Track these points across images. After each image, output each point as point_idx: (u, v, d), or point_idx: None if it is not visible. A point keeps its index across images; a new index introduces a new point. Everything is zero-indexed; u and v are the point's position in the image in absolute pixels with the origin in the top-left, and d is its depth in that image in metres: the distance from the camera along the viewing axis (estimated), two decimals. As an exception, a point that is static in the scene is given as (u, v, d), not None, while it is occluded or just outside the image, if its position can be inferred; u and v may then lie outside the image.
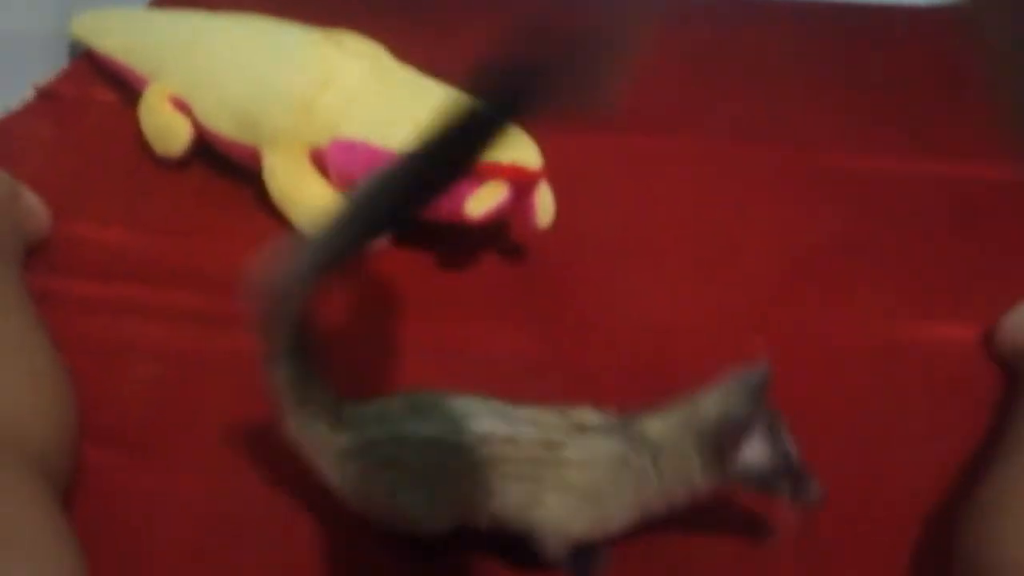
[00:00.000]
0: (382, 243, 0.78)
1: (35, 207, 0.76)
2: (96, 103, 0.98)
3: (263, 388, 0.52)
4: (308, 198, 0.79)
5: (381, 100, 0.77)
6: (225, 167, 0.86)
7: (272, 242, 0.78)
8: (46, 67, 1.05)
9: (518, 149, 0.72)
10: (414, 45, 0.88)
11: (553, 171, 0.75)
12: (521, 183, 0.72)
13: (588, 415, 0.51)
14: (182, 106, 0.86)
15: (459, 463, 0.49)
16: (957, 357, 0.70)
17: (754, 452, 0.50)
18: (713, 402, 0.51)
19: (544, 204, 0.74)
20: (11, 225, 0.72)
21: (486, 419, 0.50)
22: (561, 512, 0.50)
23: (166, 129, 0.86)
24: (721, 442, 0.49)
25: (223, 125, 0.82)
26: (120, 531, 0.55)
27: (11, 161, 0.79)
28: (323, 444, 0.51)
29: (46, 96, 0.99)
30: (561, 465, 0.49)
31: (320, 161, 0.79)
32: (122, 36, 0.97)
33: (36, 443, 0.52)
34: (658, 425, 0.51)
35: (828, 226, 0.84)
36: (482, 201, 0.70)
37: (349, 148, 0.75)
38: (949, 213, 0.87)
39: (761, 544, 0.56)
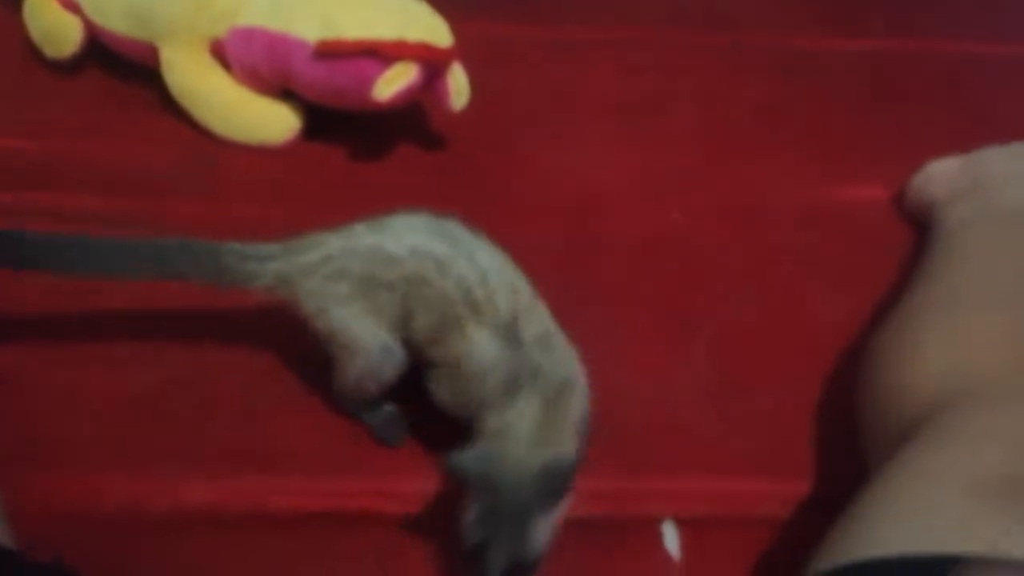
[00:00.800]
0: (290, 138, 0.76)
1: None
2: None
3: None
4: (210, 92, 0.75)
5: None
6: (122, 67, 0.82)
7: (181, 138, 0.76)
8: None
9: (427, 28, 0.69)
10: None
11: (472, 59, 0.73)
12: (432, 63, 0.69)
13: (532, 314, 0.51)
14: (70, 5, 0.80)
15: (389, 273, 0.51)
16: (872, 215, 0.72)
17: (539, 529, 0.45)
18: None
19: (459, 86, 0.72)
20: None
21: (435, 240, 0.51)
22: (442, 378, 0.51)
23: (55, 31, 0.80)
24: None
25: (115, 22, 0.77)
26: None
27: None
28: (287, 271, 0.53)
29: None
30: (464, 331, 0.49)
31: (220, 52, 0.75)
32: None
33: None
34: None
35: (751, 98, 0.85)
36: (391, 82, 0.68)
37: (248, 36, 0.72)
38: (867, 86, 0.89)
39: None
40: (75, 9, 0.80)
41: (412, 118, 0.77)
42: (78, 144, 0.75)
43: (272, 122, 0.75)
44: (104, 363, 0.58)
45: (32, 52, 0.83)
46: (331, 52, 0.68)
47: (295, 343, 0.56)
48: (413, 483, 0.53)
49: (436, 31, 0.69)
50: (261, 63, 0.72)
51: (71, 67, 0.82)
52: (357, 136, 0.76)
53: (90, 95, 0.80)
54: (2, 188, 0.70)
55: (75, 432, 0.55)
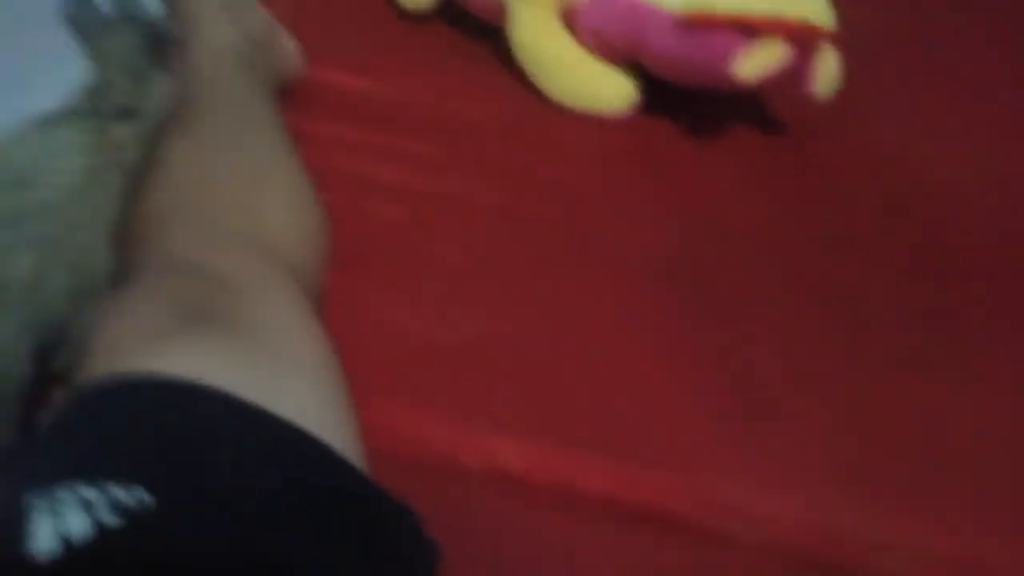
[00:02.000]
0: (624, 112, 0.73)
1: (290, 49, 0.77)
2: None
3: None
4: (553, 53, 0.74)
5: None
6: (467, 24, 0.83)
7: (511, 96, 0.76)
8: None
9: (809, 5, 0.63)
10: None
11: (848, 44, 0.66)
12: (805, 43, 0.63)
13: None
14: (430, -41, 0.83)
15: None
16: None
17: None
18: None
19: (828, 71, 0.65)
20: (269, 62, 0.72)
21: None
22: None
23: (414, -18, 0.84)
24: None
25: (469, -24, 0.79)
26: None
27: (264, 2, 0.81)
28: None
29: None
30: None
31: (570, 17, 0.74)
32: None
33: (299, 261, 0.52)
34: None
35: None
36: (756, 61, 0.62)
37: (608, 2, 0.69)
38: None
39: None
40: (433, -36, 0.83)
41: (757, 103, 0.72)
42: (416, 91, 0.77)
43: (610, 91, 0.73)
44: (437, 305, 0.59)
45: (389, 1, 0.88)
46: (697, 23, 0.63)
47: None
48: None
49: (818, 9, 0.63)
50: (614, 29, 0.69)
51: (421, 19, 0.85)
52: (693, 115, 0.72)
53: (434, 47, 0.83)
54: (345, 123, 0.73)
55: (404, 375, 0.55)
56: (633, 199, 0.65)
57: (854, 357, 0.54)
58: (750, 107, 0.72)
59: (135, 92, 0.55)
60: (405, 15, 0.85)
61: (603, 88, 0.73)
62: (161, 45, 0.60)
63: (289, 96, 0.75)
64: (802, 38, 0.62)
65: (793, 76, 0.65)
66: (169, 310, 0.40)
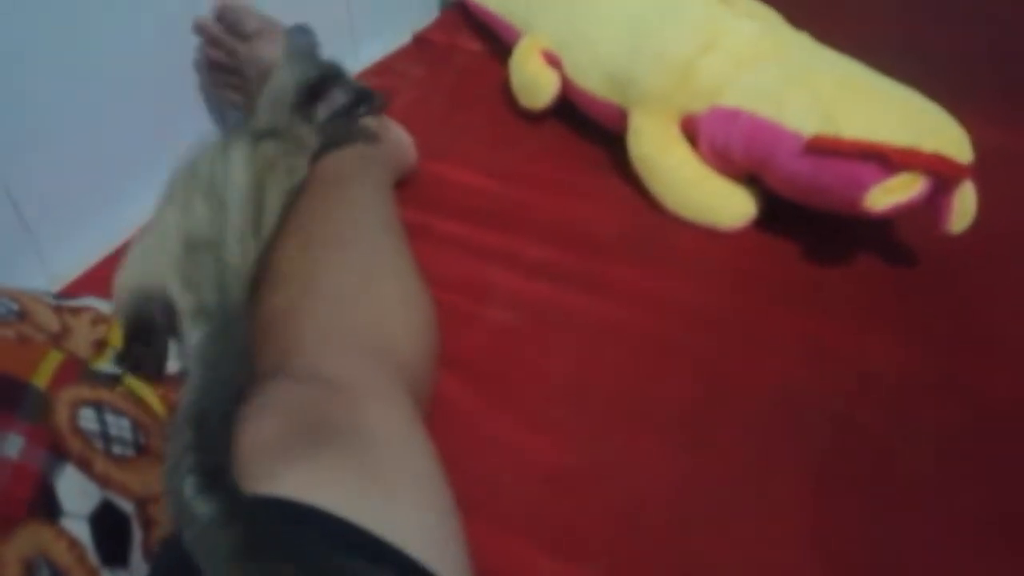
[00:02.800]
0: (743, 226, 0.71)
1: (405, 140, 0.79)
2: (462, 51, 1.02)
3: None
4: (672, 165, 0.74)
5: (772, 66, 0.70)
6: (583, 125, 0.84)
7: (630, 205, 0.76)
8: (421, 15, 1.11)
9: (945, 137, 0.61)
10: (810, 10, 0.79)
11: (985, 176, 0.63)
12: (942, 177, 0.60)
13: None
14: (553, 60, 0.85)
15: None
16: None
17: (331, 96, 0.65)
18: (285, 75, 0.65)
19: (965, 206, 0.62)
20: (386, 153, 0.75)
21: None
22: None
23: (534, 82, 0.86)
24: (303, 100, 0.63)
25: (593, 82, 0.80)
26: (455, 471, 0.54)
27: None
28: None
29: (420, 41, 1.04)
30: None
31: (691, 128, 0.74)
32: (498, -12, 0.99)
33: (408, 364, 0.52)
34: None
35: None
36: (890, 193, 0.60)
37: (731, 117, 0.69)
38: None
39: None
40: (556, 65, 0.85)
41: (881, 227, 0.69)
42: (534, 192, 0.78)
43: (728, 205, 0.72)
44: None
45: (505, 95, 0.90)
46: (826, 149, 0.62)
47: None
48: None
49: (955, 141, 0.61)
50: (737, 146, 0.69)
51: (537, 117, 0.87)
52: (814, 234, 0.70)
53: (550, 147, 0.84)
54: (459, 219, 0.75)
55: (500, 494, 0.54)
56: (755, 325, 0.62)
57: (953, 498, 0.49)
58: (877, 228, 0.69)
59: (281, 119, 0.65)
60: (525, 113, 0.87)
61: (722, 203, 0.72)
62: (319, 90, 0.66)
63: (407, 189, 0.77)
64: (939, 173, 0.60)
65: (927, 209, 0.63)
66: (289, 427, 0.42)
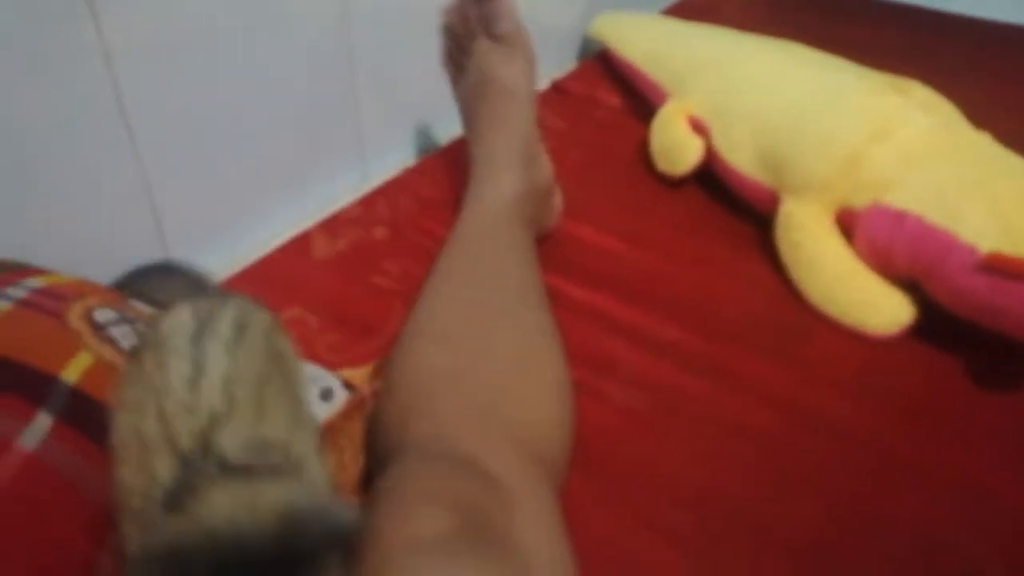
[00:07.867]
0: (895, 331, 0.66)
1: (558, 202, 0.77)
2: (601, 104, 1.00)
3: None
4: (822, 258, 0.69)
5: (948, 168, 0.65)
6: (724, 196, 0.81)
7: (768, 290, 0.72)
8: (558, 62, 1.10)
9: None
10: (993, 107, 0.73)
11: None
12: None
13: None
14: (699, 127, 0.82)
15: None
16: None
17: None
18: None
19: None
20: (541, 214, 0.72)
21: None
22: None
23: (677, 147, 0.83)
24: None
25: (743, 158, 0.76)
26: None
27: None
28: None
29: (559, 90, 1.02)
30: None
31: (848, 222, 0.69)
32: (646, 44, 0.96)
33: (555, 461, 0.49)
34: None
35: None
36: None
37: (897, 219, 0.64)
38: None
39: None
40: (703, 133, 0.81)
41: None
42: (671, 266, 0.74)
43: (881, 308, 0.66)
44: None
45: (643, 156, 0.87)
46: (1006, 270, 0.57)
47: None
48: None
49: None
50: (901, 250, 0.64)
51: (675, 183, 0.84)
52: (978, 353, 0.64)
53: (690, 217, 0.81)
54: (591, 287, 0.71)
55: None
56: (897, 450, 0.57)
57: None
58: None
59: None
60: (660, 177, 0.84)
61: (875, 305, 0.67)
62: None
63: (542, 250, 0.75)
64: None
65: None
66: (450, 518, 0.38)
